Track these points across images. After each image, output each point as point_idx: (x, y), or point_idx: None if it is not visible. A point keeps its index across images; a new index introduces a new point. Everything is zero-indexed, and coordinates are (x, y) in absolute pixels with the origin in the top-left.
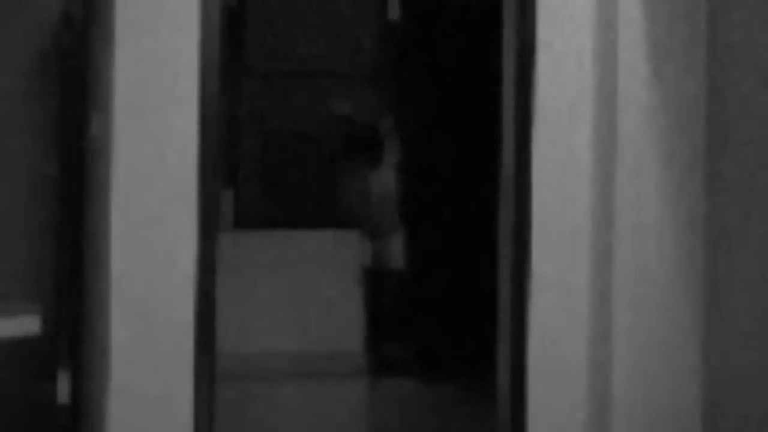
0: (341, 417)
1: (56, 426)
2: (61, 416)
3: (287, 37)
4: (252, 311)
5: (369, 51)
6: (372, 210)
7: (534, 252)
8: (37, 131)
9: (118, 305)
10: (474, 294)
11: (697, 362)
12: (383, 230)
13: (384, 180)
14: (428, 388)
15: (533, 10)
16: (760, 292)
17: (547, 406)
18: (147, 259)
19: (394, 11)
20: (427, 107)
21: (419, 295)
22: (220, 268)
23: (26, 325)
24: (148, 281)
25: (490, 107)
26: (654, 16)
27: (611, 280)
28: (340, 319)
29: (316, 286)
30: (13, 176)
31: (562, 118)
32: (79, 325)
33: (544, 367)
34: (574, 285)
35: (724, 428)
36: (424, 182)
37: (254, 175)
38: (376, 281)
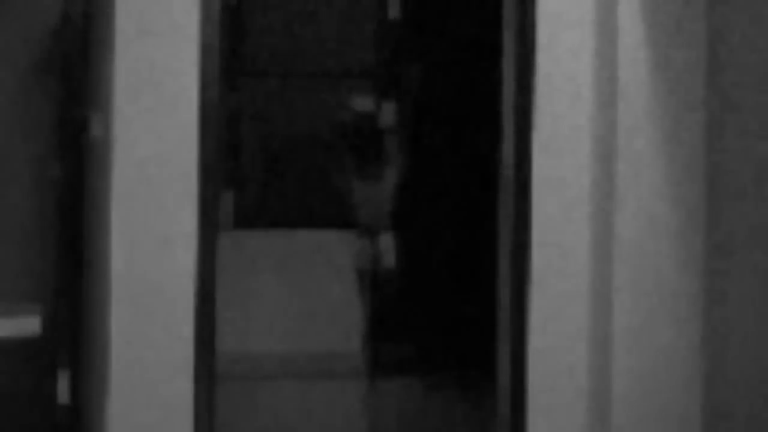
0: (341, 417)
1: (56, 426)
2: (61, 416)
3: (287, 36)
4: (252, 311)
5: (369, 50)
6: (372, 210)
7: (534, 252)
8: (37, 131)
9: (118, 305)
10: (474, 294)
11: (697, 362)
12: (383, 230)
13: (384, 180)
14: (428, 388)
15: (533, 10)
16: (760, 292)
17: (547, 406)
18: (147, 259)
19: (394, 11)
20: (427, 107)
21: (419, 295)
22: (220, 268)
23: (26, 325)
24: (148, 281)
25: (490, 107)
26: (654, 16)
27: (611, 280)
28: (340, 319)
29: (316, 286)
30: (13, 176)
31: (562, 118)
32: (79, 325)
33: (544, 367)
34: (574, 285)
35: (724, 429)
36: (424, 182)
37: (254, 175)
38: (377, 281)
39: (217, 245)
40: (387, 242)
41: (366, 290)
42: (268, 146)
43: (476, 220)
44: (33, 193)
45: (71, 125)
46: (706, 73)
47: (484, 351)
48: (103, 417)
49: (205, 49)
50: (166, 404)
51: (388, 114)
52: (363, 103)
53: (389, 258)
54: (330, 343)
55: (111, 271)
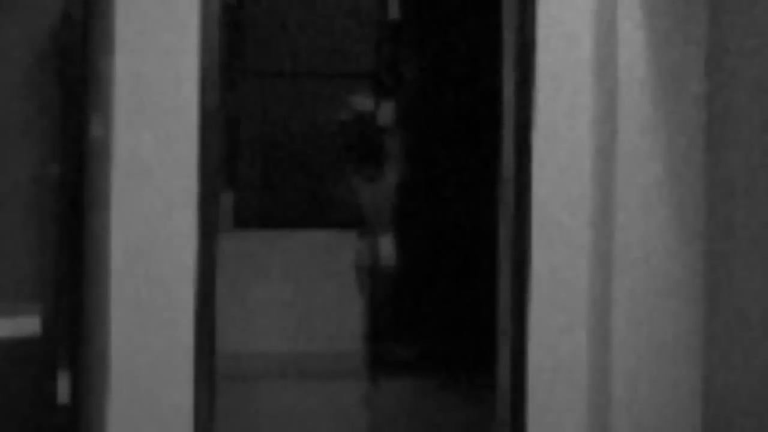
0: (341, 417)
1: (56, 426)
2: (61, 416)
3: (287, 37)
4: (252, 311)
5: (369, 51)
6: (372, 210)
7: (534, 252)
8: (37, 131)
9: (118, 305)
10: (474, 294)
11: (697, 363)
12: (383, 230)
13: (384, 180)
14: (428, 388)
15: (533, 10)
16: (760, 293)
17: (547, 406)
18: (147, 259)
19: (394, 11)
20: (427, 107)
21: (419, 295)
22: (220, 268)
23: (26, 325)
24: (148, 281)
25: (490, 107)
26: (654, 16)
27: (611, 280)
28: (340, 319)
29: (316, 286)
30: (13, 176)
31: (562, 118)
32: (79, 325)
33: (544, 367)
34: (574, 285)
35: (724, 428)
36: (424, 182)
37: (254, 175)
38: (377, 281)
39: (217, 245)
40: (387, 242)
41: (366, 290)
42: (268, 146)
43: (476, 220)
44: (33, 193)
45: (71, 125)
46: (706, 73)
47: (484, 351)
48: (103, 417)
49: (205, 49)
50: (166, 404)
51: (388, 114)
52: (363, 103)
53: (389, 258)
54: (330, 343)
55: (111, 271)
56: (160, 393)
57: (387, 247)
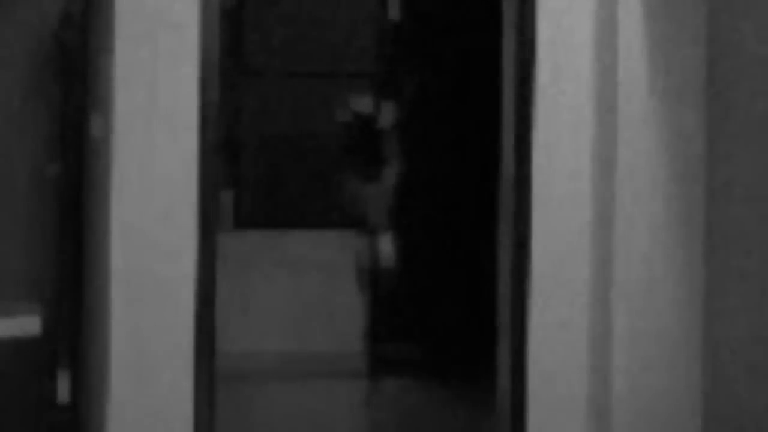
0: (341, 417)
1: (56, 426)
2: (61, 416)
3: (287, 37)
4: (252, 311)
5: (369, 51)
6: (372, 210)
7: (534, 252)
8: (37, 131)
9: (118, 305)
10: (474, 294)
11: (697, 362)
12: (383, 230)
13: (384, 180)
14: (428, 388)
15: (533, 10)
16: (760, 292)
17: (547, 406)
18: (147, 259)
19: (394, 11)
20: (427, 107)
21: (420, 296)
22: (220, 268)
23: (26, 325)
24: (148, 281)
25: (490, 107)
26: (654, 16)
27: (611, 280)
28: (340, 319)
29: (316, 286)
30: (14, 176)
31: (562, 118)
32: (79, 325)
33: (544, 367)
34: (574, 285)
35: (724, 428)
36: (424, 182)
37: (254, 175)
38: (377, 281)
39: (217, 245)
40: (387, 242)
41: (366, 290)
42: (268, 146)
43: (476, 220)
44: (33, 194)
45: (71, 125)
46: (706, 73)
47: (484, 351)
48: (103, 417)
49: (205, 49)
50: (166, 404)
51: (388, 114)
52: (363, 103)
53: (389, 258)
54: (330, 343)
55: (111, 271)
56: (160, 393)
57: (387, 247)
